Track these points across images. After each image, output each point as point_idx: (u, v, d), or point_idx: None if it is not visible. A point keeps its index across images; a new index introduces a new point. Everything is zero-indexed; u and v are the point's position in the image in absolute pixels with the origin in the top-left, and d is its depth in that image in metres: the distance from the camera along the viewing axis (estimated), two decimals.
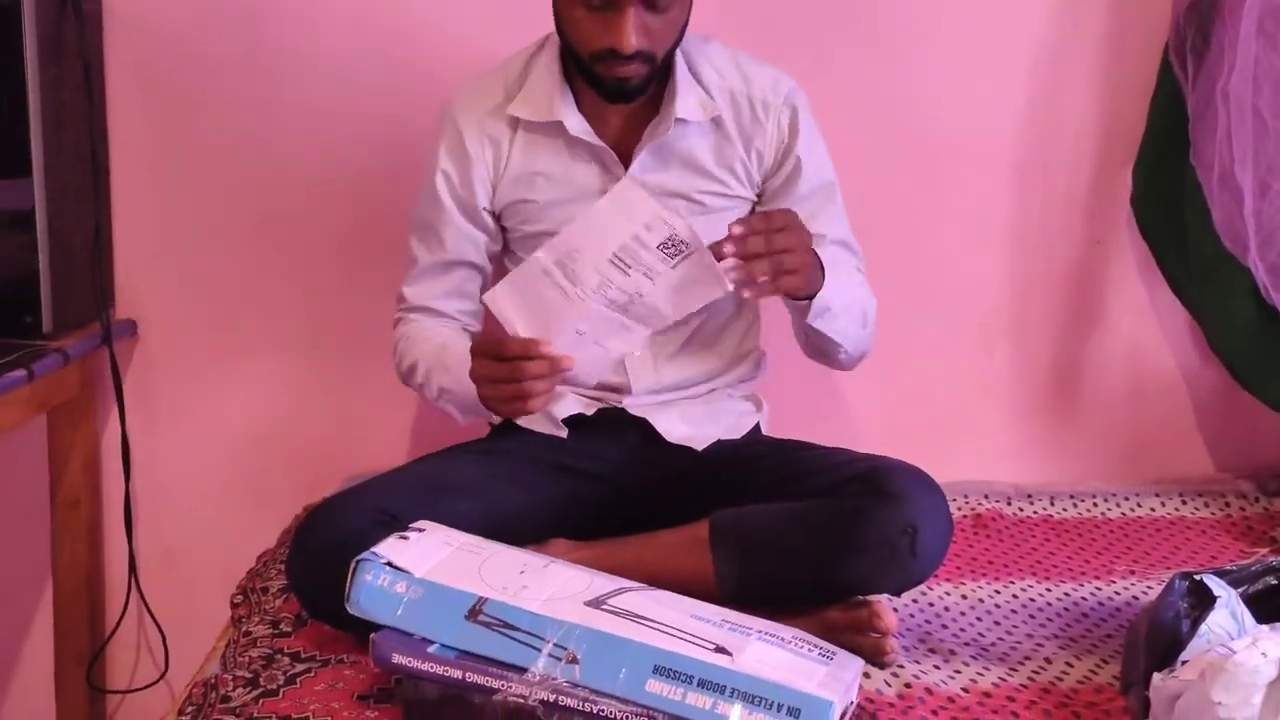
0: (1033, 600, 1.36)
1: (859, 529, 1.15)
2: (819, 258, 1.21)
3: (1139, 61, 1.69)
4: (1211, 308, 1.66)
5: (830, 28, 1.67)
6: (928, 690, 1.12)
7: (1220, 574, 1.11)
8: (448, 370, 1.28)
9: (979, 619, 1.30)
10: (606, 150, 1.33)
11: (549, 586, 1.04)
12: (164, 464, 1.72)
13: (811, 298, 1.22)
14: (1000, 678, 1.16)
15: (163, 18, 1.62)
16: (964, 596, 1.35)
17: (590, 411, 1.38)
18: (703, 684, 0.95)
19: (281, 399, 1.71)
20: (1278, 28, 1.54)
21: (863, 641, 1.14)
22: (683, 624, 1.01)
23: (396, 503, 1.19)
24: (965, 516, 1.59)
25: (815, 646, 1.03)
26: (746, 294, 1.12)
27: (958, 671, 1.17)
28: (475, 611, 1.00)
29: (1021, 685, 1.14)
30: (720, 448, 1.37)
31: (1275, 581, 1.13)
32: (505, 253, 1.42)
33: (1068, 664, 1.19)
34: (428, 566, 1.04)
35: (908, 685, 1.12)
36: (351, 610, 1.04)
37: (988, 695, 1.12)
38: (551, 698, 0.96)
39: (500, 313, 1.11)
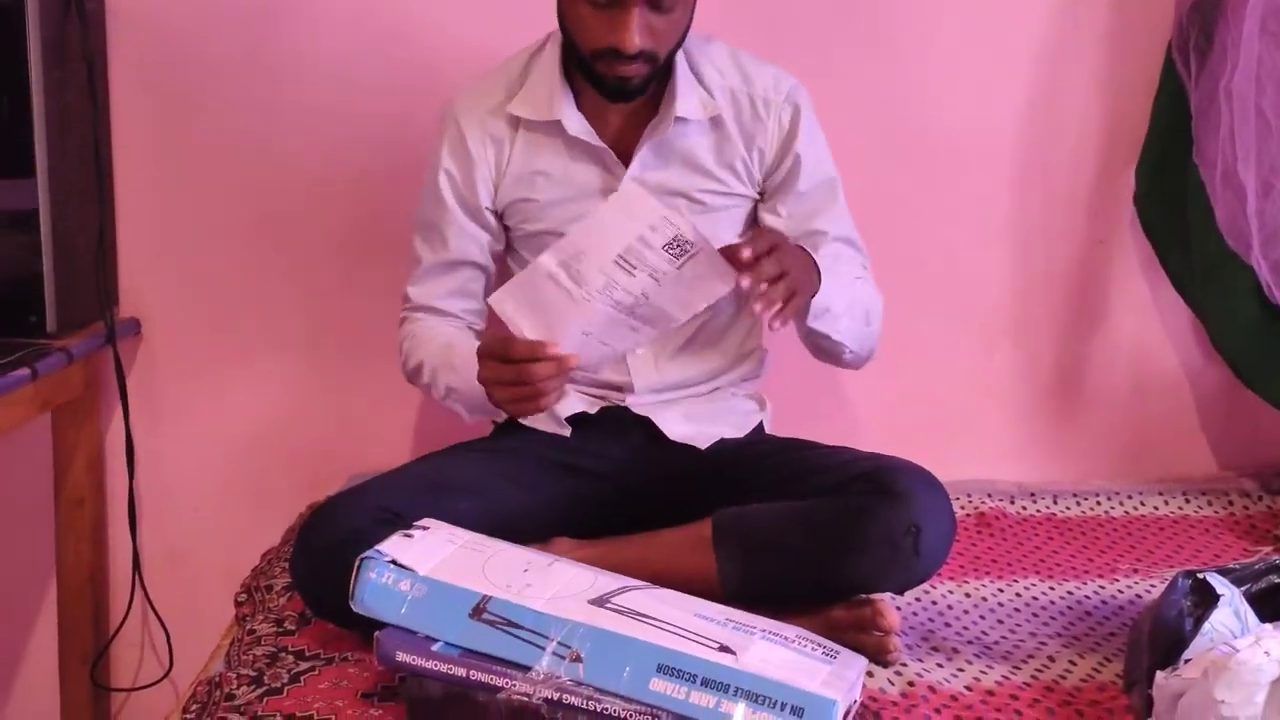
0: (1036, 599, 1.36)
1: (862, 528, 1.16)
2: (814, 262, 1.20)
3: (1141, 60, 1.69)
4: (1214, 306, 1.66)
5: (831, 27, 1.67)
6: (931, 689, 1.12)
7: (1223, 572, 1.11)
8: (454, 370, 1.28)
9: (982, 617, 1.30)
10: (606, 150, 1.33)
11: (553, 585, 1.04)
12: (168, 463, 1.72)
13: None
14: (1003, 676, 1.16)
15: (166, 19, 1.63)
16: (967, 595, 1.35)
17: (593, 410, 1.38)
18: (706, 683, 0.95)
19: (285, 398, 1.72)
20: None
21: (866, 640, 1.14)
22: (686, 623, 1.01)
23: (399, 501, 1.20)
24: (968, 515, 1.59)
25: (818, 645, 1.03)
26: (777, 324, 1.10)
27: (961, 670, 1.17)
28: (479, 610, 1.01)
29: (1025, 684, 1.14)
30: (723, 446, 1.37)
31: (1278, 580, 1.13)
32: (508, 252, 1.42)
33: (1071, 662, 1.20)
34: (431, 564, 1.04)
35: (911, 684, 1.12)
36: (355, 608, 1.04)
37: (991, 694, 1.12)
38: (555, 696, 0.96)
39: (506, 316, 1.12)
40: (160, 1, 1.63)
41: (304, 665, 1.14)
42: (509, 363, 1.11)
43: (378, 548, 1.05)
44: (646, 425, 1.37)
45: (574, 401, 1.38)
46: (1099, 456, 1.78)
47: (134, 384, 1.67)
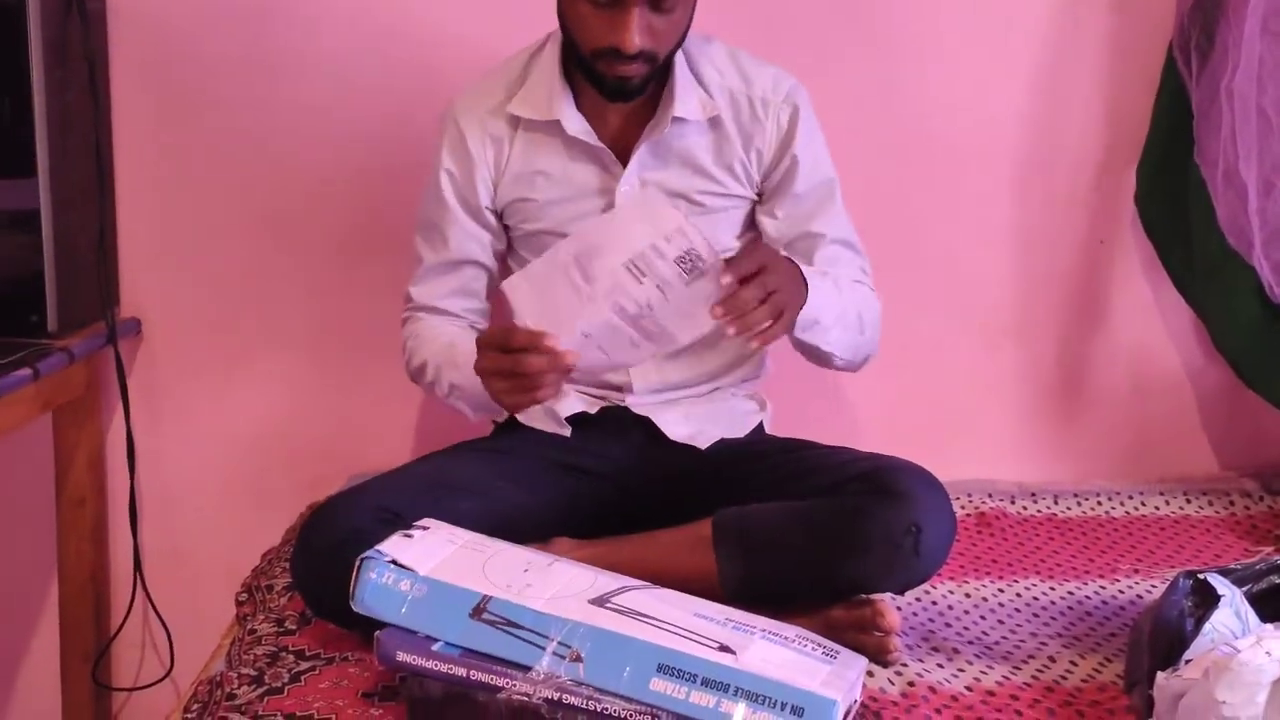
0: (1036, 599, 1.36)
1: (862, 528, 1.16)
2: (803, 276, 1.19)
3: (1143, 60, 1.68)
4: (1216, 306, 1.66)
5: (832, 27, 1.67)
6: (931, 689, 1.12)
7: (1224, 573, 1.11)
8: (457, 367, 1.28)
9: (983, 618, 1.30)
10: (605, 150, 1.33)
11: (553, 585, 1.04)
12: (169, 462, 1.72)
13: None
14: (1004, 676, 1.16)
15: (167, 18, 1.63)
16: (967, 595, 1.35)
17: (593, 410, 1.38)
18: (706, 682, 0.95)
19: (285, 397, 1.72)
20: None
21: (866, 640, 1.14)
22: (686, 622, 1.01)
23: (400, 501, 1.20)
24: (969, 515, 1.59)
25: (819, 645, 1.03)
26: (755, 344, 1.11)
27: (961, 670, 1.17)
28: (479, 609, 1.01)
29: (1025, 684, 1.14)
30: (723, 446, 1.37)
31: (1279, 580, 1.13)
32: (509, 251, 1.42)
33: (1071, 663, 1.19)
34: (432, 564, 1.04)
35: (911, 684, 1.12)
36: (356, 608, 1.04)
37: (991, 694, 1.12)
38: (555, 696, 0.97)
39: (515, 302, 1.12)
40: (161, 1, 1.63)
41: (305, 665, 1.14)
42: (507, 352, 1.10)
43: (378, 548, 1.05)
44: (647, 425, 1.37)
45: (574, 401, 1.38)
46: (1100, 456, 1.78)
47: (135, 384, 1.67)
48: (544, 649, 0.98)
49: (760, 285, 1.08)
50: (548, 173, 1.35)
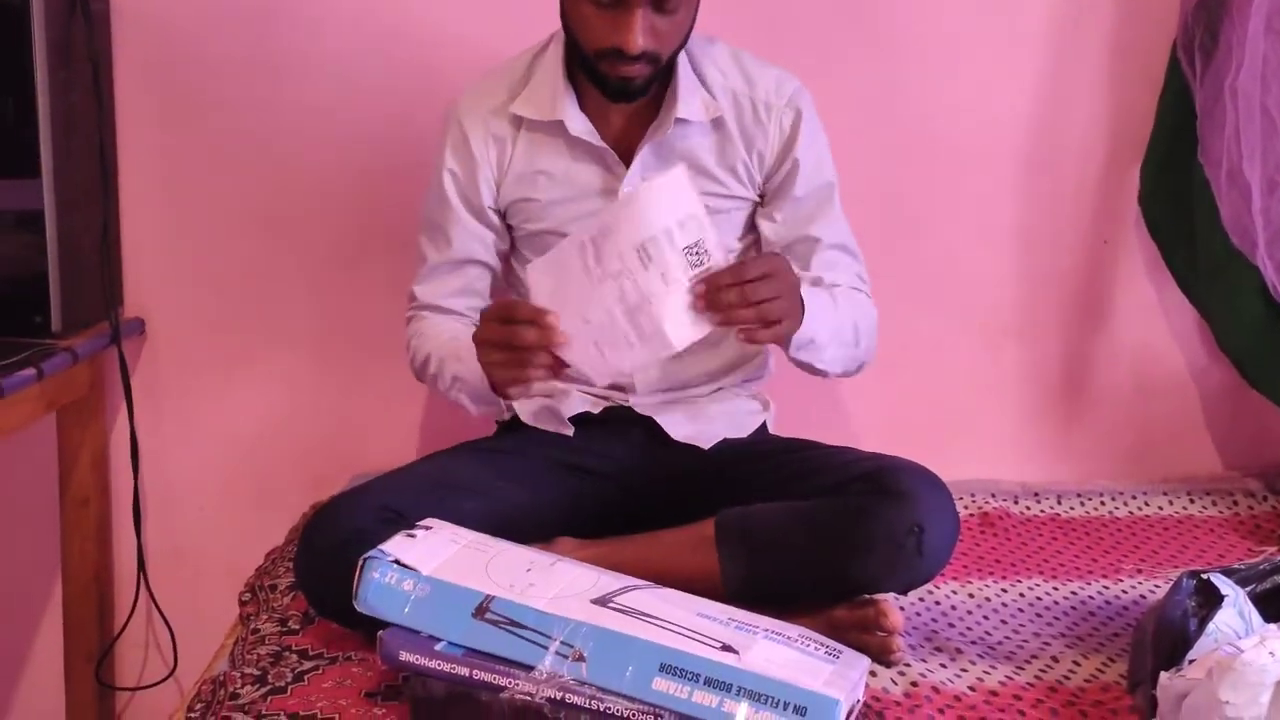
0: (1039, 599, 1.35)
1: (865, 528, 1.15)
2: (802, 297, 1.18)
3: (1146, 59, 1.68)
4: (1220, 306, 1.65)
5: (835, 26, 1.67)
6: (934, 689, 1.12)
7: (1228, 573, 1.11)
8: (460, 359, 1.28)
9: (985, 618, 1.30)
10: (608, 150, 1.33)
11: (556, 584, 1.04)
12: (172, 462, 1.72)
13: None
14: (1007, 676, 1.16)
15: (170, 19, 1.63)
16: (970, 595, 1.35)
17: (596, 410, 1.38)
18: (709, 682, 0.95)
19: (289, 397, 1.72)
20: None
21: (869, 640, 1.14)
22: (689, 622, 1.01)
23: (403, 501, 1.20)
24: (972, 515, 1.59)
25: (821, 645, 1.03)
26: (740, 338, 1.12)
27: (964, 670, 1.17)
28: (482, 609, 1.01)
29: (1028, 684, 1.14)
30: (726, 446, 1.37)
31: None
32: (512, 251, 1.42)
33: (1075, 663, 1.19)
34: (435, 564, 1.04)
35: (914, 684, 1.12)
36: (359, 608, 1.04)
37: (994, 694, 1.12)
38: (558, 695, 0.97)
39: (530, 283, 1.13)
40: (165, 2, 1.63)
41: (308, 664, 1.14)
42: (507, 324, 1.11)
43: (381, 547, 1.05)
44: (649, 425, 1.37)
45: (577, 401, 1.38)
46: (1103, 456, 1.78)
47: (138, 383, 1.68)
48: (547, 649, 0.98)
49: (740, 292, 1.08)
50: (550, 173, 1.35)
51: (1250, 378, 1.66)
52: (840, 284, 1.34)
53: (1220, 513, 1.64)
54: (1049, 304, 1.77)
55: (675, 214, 1.06)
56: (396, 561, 1.04)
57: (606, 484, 1.35)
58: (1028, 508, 1.64)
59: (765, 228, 1.38)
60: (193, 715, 1.09)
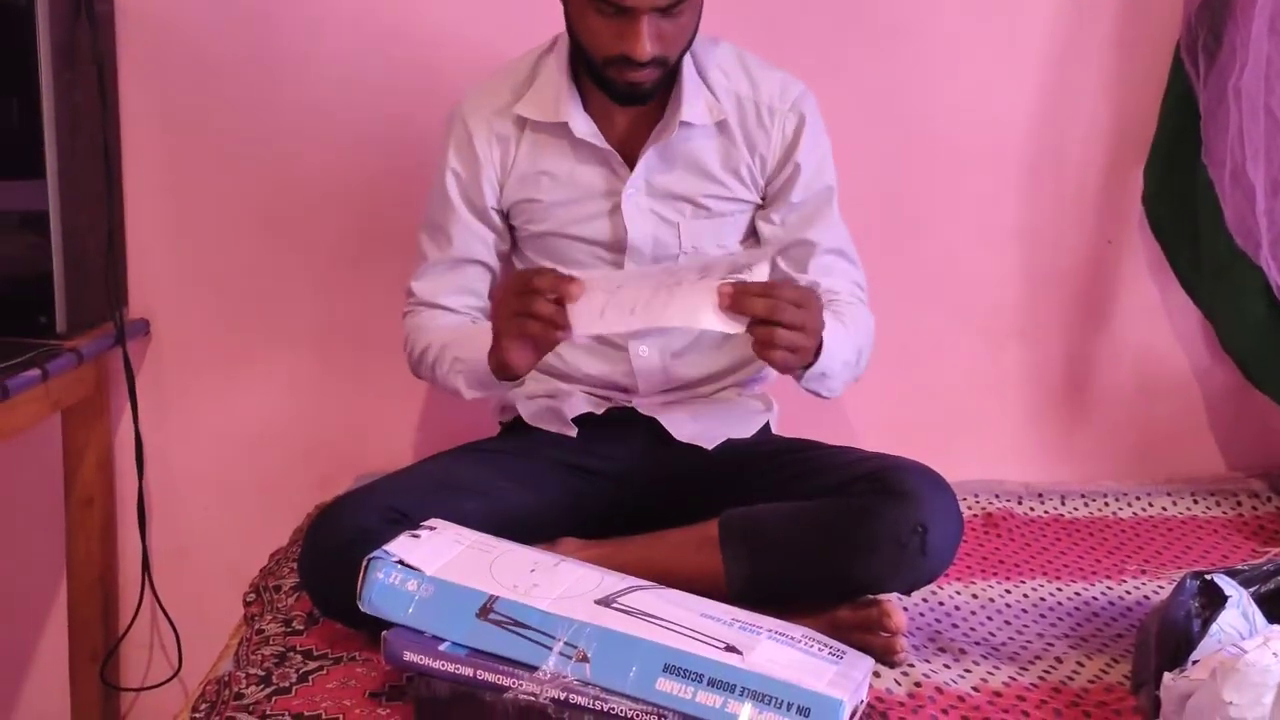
0: (1043, 600, 1.35)
1: (869, 528, 1.16)
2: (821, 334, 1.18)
3: (1150, 60, 1.68)
4: (1223, 306, 1.65)
5: (837, 27, 1.67)
6: (938, 689, 1.12)
7: (1231, 573, 1.11)
8: (462, 343, 1.29)
9: (989, 618, 1.30)
10: (612, 152, 1.33)
11: (559, 585, 1.04)
12: (177, 462, 1.73)
13: (803, 368, 1.19)
14: (1010, 677, 1.16)
15: (174, 21, 1.63)
16: (974, 596, 1.35)
17: (600, 411, 1.38)
18: (713, 683, 0.95)
19: (293, 397, 1.72)
20: None
21: (872, 640, 1.14)
22: (693, 623, 1.01)
23: (407, 501, 1.20)
24: (975, 515, 1.59)
25: (825, 645, 1.04)
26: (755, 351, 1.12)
27: (968, 671, 1.17)
28: (486, 610, 1.01)
29: (1032, 684, 1.14)
30: (729, 447, 1.37)
31: None
32: (513, 251, 1.42)
33: (1078, 663, 1.19)
34: (439, 565, 1.04)
35: (917, 684, 1.12)
36: (363, 608, 1.04)
37: (998, 694, 1.12)
38: (562, 696, 0.97)
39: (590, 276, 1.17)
40: (169, 3, 1.63)
41: (312, 665, 1.14)
42: (530, 283, 1.12)
43: (385, 548, 1.06)
44: (653, 426, 1.37)
45: (580, 402, 1.38)
46: (1107, 457, 1.78)
47: (143, 384, 1.68)
48: (550, 649, 0.98)
49: (771, 307, 1.08)
50: (554, 174, 1.35)
51: (1254, 378, 1.66)
52: (838, 291, 1.34)
53: (1224, 513, 1.64)
54: (1052, 304, 1.76)
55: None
56: (401, 562, 1.04)
57: (609, 484, 1.35)
58: (1031, 508, 1.64)
59: (764, 230, 1.38)
60: (197, 716, 1.10)
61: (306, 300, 1.70)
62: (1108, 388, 1.78)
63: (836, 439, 1.37)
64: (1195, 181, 1.62)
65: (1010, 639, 1.25)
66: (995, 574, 1.42)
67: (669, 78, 1.30)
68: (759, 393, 1.46)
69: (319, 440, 1.72)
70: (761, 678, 0.95)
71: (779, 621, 1.06)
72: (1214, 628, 1.03)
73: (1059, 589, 1.38)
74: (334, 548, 1.16)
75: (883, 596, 1.18)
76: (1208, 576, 1.08)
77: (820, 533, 1.18)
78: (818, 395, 1.26)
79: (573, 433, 1.37)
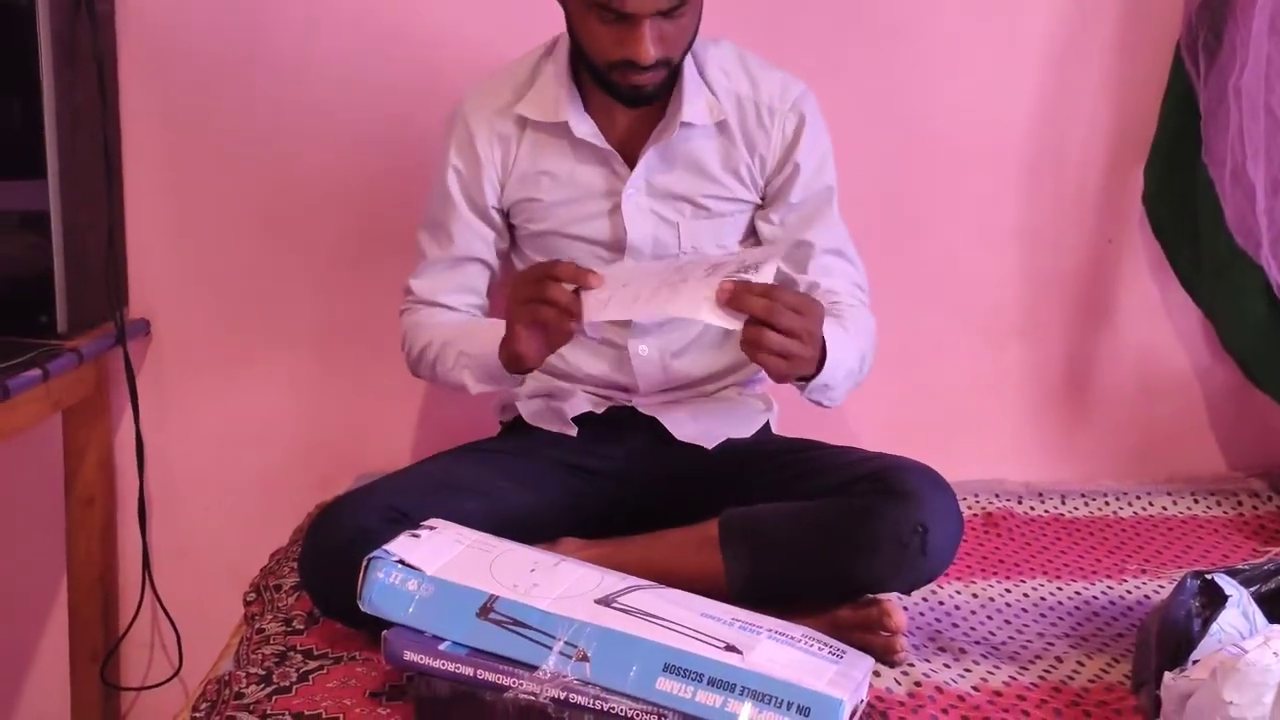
0: (1044, 599, 1.35)
1: (869, 528, 1.16)
2: (824, 345, 1.17)
3: (1150, 59, 1.68)
4: (1223, 306, 1.65)
5: (837, 27, 1.67)
6: (938, 689, 1.12)
7: (1232, 573, 1.11)
8: (468, 337, 1.29)
9: (989, 618, 1.30)
10: (612, 152, 1.33)
11: (559, 584, 1.04)
12: (177, 462, 1.73)
13: (806, 378, 1.19)
14: (1011, 676, 1.16)
15: (174, 20, 1.63)
16: (974, 595, 1.35)
17: (600, 410, 1.38)
18: (713, 682, 0.95)
19: (293, 397, 1.72)
20: None
21: (873, 640, 1.14)
22: (693, 622, 1.01)
23: (407, 501, 1.20)
24: (976, 515, 1.59)
25: (825, 645, 1.04)
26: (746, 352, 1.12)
27: (968, 670, 1.17)
28: (486, 609, 1.01)
29: (1032, 684, 1.14)
30: (730, 446, 1.37)
31: None
32: (513, 250, 1.42)
33: (1079, 663, 1.19)
34: (439, 564, 1.05)
35: (918, 684, 1.12)
36: (363, 608, 1.04)
37: (998, 694, 1.12)
38: (562, 695, 0.97)
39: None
40: (170, 3, 1.63)
41: (312, 664, 1.14)
42: (546, 277, 1.13)
43: (385, 547, 1.06)
44: (653, 425, 1.37)
45: (581, 402, 1.38)
46: (1107, 456, 1.78)
47: (144, 384, 1.68)
48: (551, 648, 0.98)
49: (770, 309, 1.07)
50: (554, 173, 1.35)
51: (1254, 378, 1.66)
52: (838, 291, 1.34)
53: (1224, 513, 1.64)
54: (1052, 304, 1.76)
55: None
56: (401, 561, 1.04)
57: (610, 484, 1.35)
58: (1031, 508, 1.64)
59: (763, 230, 1.38)
60: (198, 715, 1.10)
61: (307, 300, 1.70)
62: (1108, 387, 1.78)
63: (837, 439, 1.37)
64: (1195, 181, 1.62)
65: (1010, 638, 1.25)
66: (995, 573, 1.42)
67: (671, 77, 1.30)
68: (759, 392, 1.46)
69: (319, 440, 1.72)
70: (761, 677, 0.95)
71: (779, 621, 1.06)
72: (1214, 627, 1.03)
73: (1059, 588, 1.38)
74: (334, 547, 1.16)
75: (883, 596, 1.18)
76: (1208, 576, 1.08)
77: (821, 532, 1.18)
78: (820, 405, 1.26)
79: (573, 432, 1.37)
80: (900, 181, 1.70)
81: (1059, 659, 1.20)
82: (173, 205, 1.68)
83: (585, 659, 0.97)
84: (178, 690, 1.73)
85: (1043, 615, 1.31)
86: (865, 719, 1.04)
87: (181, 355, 1.71)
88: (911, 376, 1.73)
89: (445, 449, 1.41)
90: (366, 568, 1.04)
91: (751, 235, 1.40)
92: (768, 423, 1.44)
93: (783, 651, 1.00)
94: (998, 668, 1.17)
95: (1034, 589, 1.38)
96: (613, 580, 1.07)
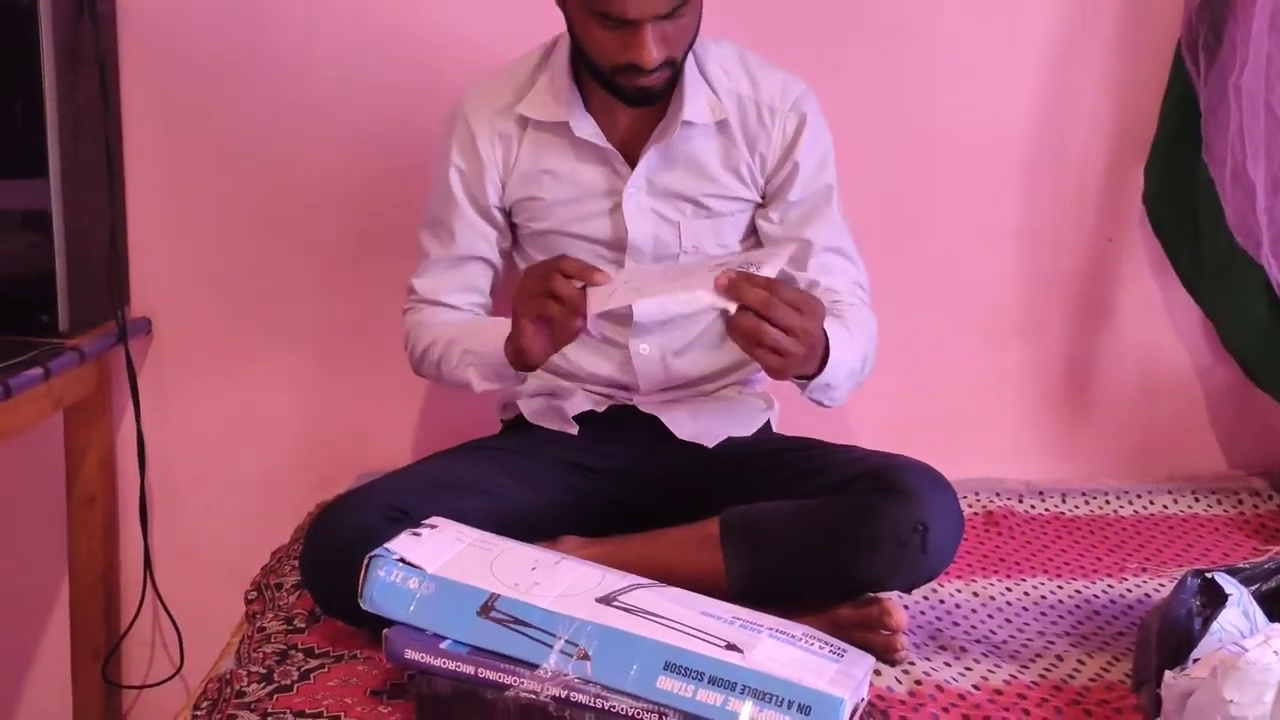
0: (1044, 598, 1.35)
1: (870, 526, 1.16)
2: (827, 344, 1.16)
3: (1151, 58, 1.68)
4: (1224, 305, 1.65)
5: (839, 26, 1.67)
6: (938, 687, 1.12)
7: (1232, 572, 1.11)
8: (473, 335, 1.29)
9: (990, 616, 1.30)
10: (613, 152, 1.33)
11: (560, 583, 1.04)
12: (178, 461, 1.73)
13: (807, 377, 1.19)
14: (1011, 675, 1.16)
15: (176, 20, 1.64)
16: (975, 594, 1.35)
17: (601, 409, 1.38)
18: (714, 681, 0.95)
19: (294, 396, 1.73)
20: None
21: (873, 639, 1.14)
22: (694, 621, 1.01)
23: (408, 500, 1.20)
24: (976, 514, 1.59)
25: (826, 644, 1.04)
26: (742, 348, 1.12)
27: (969, 669, 1.17)
28: (487, 608, 1.01)
29: (1033, 683, 1.14)
30: (730, 445, 1.37)
31: None
32: (515, 249, 1.43)
33: (1079, 661, 1.19)
34: (440, 563, 1.05)
35: (918, 682, 1.12)
36: (364, 606, 1.04)
37: (999, 693, 1.12)
38: (563, 694, 0.97)
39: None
40: (171, 3, 1.64)
41: (313, 663, 1.15)
42: (554, 271, 1.14)
43: (386, 546, 1.06)
44: (654, 424, 1.37)
45: (582, 400, 1.38)
46: (1108, 455, 1.78)
47: (145, 383, 1.68)
48: (551, 647, 0.98)
49: (766, 303, 1.07)
50: (556, 173, 1.35)
51: (1255, 377, 1.66)
52: (838, 290, 1.34)
53: (1225, 512, 1.64)
54: (1053, 303, 1.76)
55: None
56: (402, 560, 1.04)
57: (610, 482, 1.35)
58: (1032, 506, 1.64)
59: (763, 228, 1.38)
60: (199, 713, 1.10)
61: (307, 299, 1.70)
62: (1109, 386, 1.78)
63: (837, 437, 1.37)
64: (1196, 180, 1.62)
65: (1011, 637, 1.25)
66: (996, 572, 1.42)
67: (674, 76, 1.30)
68: (760, 391, 1.47)
69: (320, 439, 1.73)
70: (762, 676, 0.95)
71: (780, 620, 1.06)
72: (1215, 626, 1.03)
73: (1060, 587, 1.38)
74: (335, 546, 1.16)
75: (883, 595, 1.18)
76: (1209, 575, 1.08)
77: (821, 531, 1.18)
78: (820, 404, 1.26)
79: (574, 430, 1.37)
80: (901, 181, 1.70)
81: (1059, 657, 1.20)
82: (174, 204, 1.68)
83: (586, 657, 0.97)
84: (179, 689, 1.74)
85: (1043, 614, 1.31)
86: (866, 717, 1.05)
87: (183, 354, 1.71)
88: (912, 376, 1.73)
89: (446, 448, 1.41)
90: (367, 566, 1.04)
91: (752, 235, 1.40)
92: (768, 421, 1.44)
93: (783, 650, 1.00)
94: (998, 666, 1.18)
95: (1034, 588, 1.38)
96: (614, 579, 1.07)
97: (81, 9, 1.51)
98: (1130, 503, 1.67)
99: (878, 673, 1.11)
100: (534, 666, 0.98)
